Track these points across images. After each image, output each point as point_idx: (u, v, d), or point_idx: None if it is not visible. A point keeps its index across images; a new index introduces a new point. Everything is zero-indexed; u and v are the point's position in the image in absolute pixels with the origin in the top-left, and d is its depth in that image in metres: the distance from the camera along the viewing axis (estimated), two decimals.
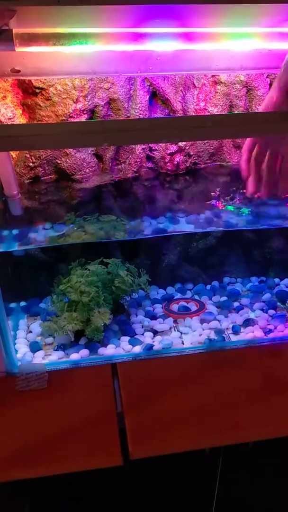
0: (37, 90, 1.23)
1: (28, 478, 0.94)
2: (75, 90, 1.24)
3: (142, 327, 1.32)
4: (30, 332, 1.30)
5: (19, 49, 1.00)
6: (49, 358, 1.20)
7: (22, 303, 1.41)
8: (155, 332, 1.30)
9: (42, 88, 1.23)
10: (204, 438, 1.01)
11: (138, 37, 1.08)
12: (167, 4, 1.01)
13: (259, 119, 0.87)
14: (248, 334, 1.28)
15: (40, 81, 1.22)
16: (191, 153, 1.40)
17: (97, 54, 1.19)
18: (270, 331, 1.29)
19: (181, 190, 1.39)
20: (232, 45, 1.17)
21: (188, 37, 1.12)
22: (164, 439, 0.99)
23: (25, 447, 0.97)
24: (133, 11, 1.03)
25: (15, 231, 1.24)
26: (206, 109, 1.36)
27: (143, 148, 1.37)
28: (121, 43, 1.07)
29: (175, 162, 1.40)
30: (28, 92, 1.24)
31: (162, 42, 1.11)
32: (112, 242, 1.39)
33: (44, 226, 1.26)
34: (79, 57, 1.22)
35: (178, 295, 1.46)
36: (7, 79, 1.22)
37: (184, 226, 1.28)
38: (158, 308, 1.40)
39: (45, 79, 1.22)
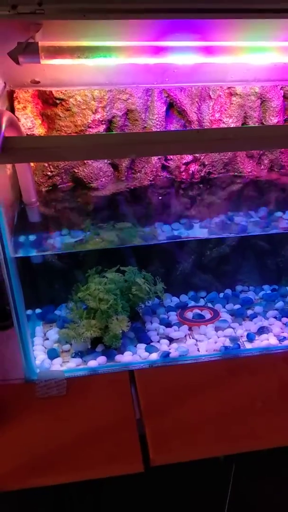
0: (57, 101, 1.25)
1: (49, 485, 0.95)
2: (94, 101, 1.26)
3: (158, 334, 1.33)
4: (47, 339, 1.31)
5: (44, 61, 1.02)
6: (67, 365, 1.21)
7: (38, 310, 1.42)
8: (171, 340, 1.31)
9: (62, 99, 1.25)
10: (222, 445, 1.02)
11: (158, 51, 1.10)
12: (188, 19, 1.04)
13: (279, 132, 0.89)
14: (263, 341, 1.30)
15: (61, 92, 1.24)
16: (206, 163, 1.42)
17: (116, 66, 1.22)
18: (285, 338, 1.30)
19: (196, 197, 1.41)
20: (248, 58, 1.19)
21: (205, 50, 1.14)
22: (183, 446, 1.00)
23: (46, 454, 0.98)
24: (155, 25, 1.06)
25: (32, 238, 1.26)
26: (221, 120, 1.39)
27: (158, 158, 1.39)
28: (142, 56, 1.09)
29: (190, 172, 1.42)
30: (48, 102, 1.26)
31: (181, 55, 1.13)
32: (126, 250, 1.40)
33: (61, 232, 1.27)
34: (97, 69, 1.25)
35: (192, 303, 1.48)
36: (27, 90, 1.24)
37: (198, 231, 1.29)
38: (173, 316, 1.41)
39: (65, 90, 1.25)
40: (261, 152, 1.46)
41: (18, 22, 0.99)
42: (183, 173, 1.42)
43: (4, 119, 0.84)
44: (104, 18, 0.96)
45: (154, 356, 1.24)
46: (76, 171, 1.34)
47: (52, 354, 1.24)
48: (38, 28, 1.00)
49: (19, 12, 0.91)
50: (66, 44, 1.03)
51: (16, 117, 1.22)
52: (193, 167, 1.42)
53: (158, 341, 1.31)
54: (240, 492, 1.17)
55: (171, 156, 1.40)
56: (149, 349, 1.25)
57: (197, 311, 1.42)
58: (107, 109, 1.29)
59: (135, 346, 1.28)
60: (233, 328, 1.36)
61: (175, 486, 1.12)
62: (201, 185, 1.43)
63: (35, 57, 1.02)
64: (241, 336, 1.33)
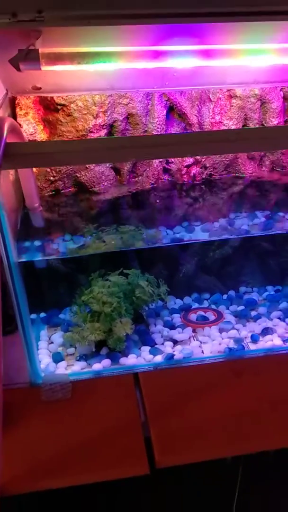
0: (59, 107, 1.26)
1: (55, 488, 0.95)
2: (95, 106, 1.28)
3: (162, 336, 1.33)
4: (52, 342, 1.32)
5: (45, 68, 1.04)
6: (71, 368, 1.22)
7: (42, 314, 1.43)
8: (175, 342, 1.31)
9: (63, 105, 1.26)
10: (228, 447, 1.02)
11: (158, 55, 1.11)
12: (186, 23, 1.04)
13: (282, 133, 0.90)
14: (268, 342, 1.30)
15: (62, 98, 1.26)
16: (207, 165, 1.43)
17: (116, 71, 1.23)
18: None
19: (198, 199, 1.41)
20: (247, 60, 1.20)
21: (204, 53, 1.15)
22: (189, 448, 1.00)
23: (52, 457, 0.98)
24: (153, 30, 1.07)
25: (36, 242, 1.27)
26: (221, 122, 1.39)
27: (160, 161, 1.40)
28: (142, 60, 1.10)
29: (192, 174, 1.43)
30: (49, 108, 1.27)
31: (180, 58, 1.14)
32: (130, 253, 1.41)
33: (64, 237, 1.28)
34: (98, 74, 1.27)
35: (195, 305, 1.48)
36: (29, 96, 1.26)
37: (200, 234, 1.30)
38: (176, 318, 1.42)
39: (66, 96, 1.26)
40: (262, 153, 1.47)
41: (18, 29, 1.00)
42: (185, 176, 1.42)
43: (6, 126, 0.85)
44: (103, 24, 0.97)
45: (159, 358, 1.24)
46: (78, 175, 1.36)
47: (57, 358, 1.24)
48: (38, 35, 1.01)
49: (20, 19, 0.92)
50: (66, 50, 1.05)
51: (18, 123, 1.24)
52: (194, 170, 1.43)
53: (162, 344, 1.31)
54: (247, 493, 1.17)
55: (173, 159, 1.41)
56: (153, 352, 1.26)
57: (200, 313, 1.42)
58: (108, 113, 1.30)
59: (139, 348, 1.28)
60: (237, 329, 1.36)
61: (181, 488, 1.12)
62: (202, 187, 1.44)
63: (36, 64, 1.03)
64: (245, 337, 1.33)
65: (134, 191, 1.40)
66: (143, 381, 1.16)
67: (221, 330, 1.35)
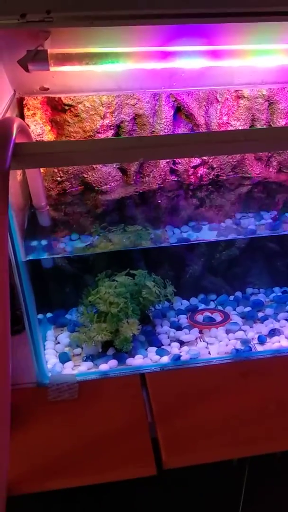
0: (66, 107, 1.27)
1: (61, 488, 0.95)
2: (103, 107, 1.28)
3: (168, 337, 1.33)
4: (58, 343, 1.32)
5: (53, 68, 1.04)
6: (78, 368, 1.22)
7: (49, 314, 1.43)
8: (182, 343, 1.31)
9: (71, 105, 1.26)
10: (235, 448, 1.02)
11: (165, 56, 1.11)
12: (194, 24, 1.04)
13: None
14: (275, 344, 1.29)
15: (70, 98, 1.26)
16: (214, 166, 1.43)
17: (124, 72, 1.23)
18: None
19: (205, 200, 1.41)
20: (254, 61, 1.20)
21: (212, 54, 1.15)
22: (196, 449, 1.00)
23: (58, 457, 0.98)
24: (161, 31, 1.07)
25: (43, 242, 1.27)
26: (229, 123, 1.39)
27: (167, 162, 1.40)
28: (150, 61, 1.11)
29: (199, 175, 1.42)
30: (57, 109, 1.28)
31: (188, 59, 1.14)
32: (136, 253, 1.41)
33: (71, 236, 1.28)
34: (106, 75, 1.27)
35: (202, 306, 1.48)
36: (36, 97, 1.26)
37: (207, 234, 1.30)
38: (183, 319, 1.41)
39: (74, 97, 1.26)
40: (269, 154, 1.46)
41: (27, 30, 1.01)
42: (192, 177, 1.42)
43: (15, 126, 0.86)
44: (111, 24, 0.97)
45: (165, 359, 1.24)
46: (85, 176, 1.36)
47: (64, 358, 1.24)
48: (47, 36, 1.02)
49: (28, 20, 0.92)
50: (74, 51, 1.05)
51: (26, 123, 1.24)
52: (201, 170, 1.42)
53: (169, 344, 1.31)
54: (254, 495, 1.16)
55: (179, 160, 1.41)
56: (160, 352, 1.25)
57: (207, 314, 1.42)
58: (115, 114, 1.30)
59: (146, 349, 1.28)
60: (244, 330, 1.36)
61: (188, 489, 1.12)
62: (210, 187, 1.44)
63: (44, 65, 1.03)
64: (252, 339, 1.32)
65: (141, 191, 1.40)
66: (150, 382, 1.16)
67: (228, 331, 1.35)
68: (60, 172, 1.33)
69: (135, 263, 1.41)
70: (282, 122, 1.42)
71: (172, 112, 1.35)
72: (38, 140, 1.27)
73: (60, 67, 1.05)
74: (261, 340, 1.30)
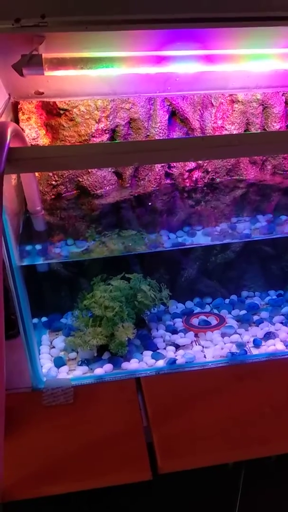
0: (61, 111, 1.27)
1: (56, 494, 0.95)
2: (98, 111, 1.28)
3: (164, 341, 1.33)
4: (53, 347, 1.31)
5: (48, 73, 1.04)
6: (73, 373, 1.21)
7: (44, 319, 1.43)
8: (177, 346, 1.31)
9: (66, 110, 1.26)
10: (230, 452, 1.02)
11: (160, 60, 1.12)
12: (189, 28, 1.05)
13: (284, 138, 0.90)
14: (270, 347, 1.29)
15: (65, 102, 1.26)
16: (209, 170, 1.43)
17: (118, 76, 1.24)
18: None
19: (199, 204, 1.41)
20: (249, 65, 1.20)
21: (206, 59, 1.15)
22: (192, 454, 1.00)
23: (53, 462, 0.97)
24: (156, 35, 1.08)
25: (38, 246, 1.27)
26: (223, 127, 1.40)
27: (162, 166, 1.40)
28: (144, 65, 1.11)
29: (194, 179, 1.43)
30: (52, 113, 1.28)
31: (182, 64, 1.15)
32: (131, 258, 1.41)
33: (66, 241, 1.28)
34: (100, 79, 1.27)
35: (198, 309, 1.48)
36: (31, 101, 1.26)
37: (201, 238, 1.30)
38: (178, 323, 1.41)
39: (69, 101, 1.26)
40: (264, 158, 1.47)
41: (21, 35, 1.01)
42: (187, 180, 1.43)
43: (9, 130, 0.86)
44: (106, 29, 0.98)
45: (161, 363, 1.24)
46: (81, 180, 1.36)
47: (59, 362, 1.24)
48: (41, 40, 1.02)
49: (23, 25, 0.92)
50: (69, 55, 1.05)
51: (21, 128, 1.24)
52: (196, 174, 1.43)
53: (164, 348, 1.30)
54: (249, 499, 1.16)
55: (174, 164, 1.41)
56: (156, 356, 1.25)
57: (203, 317, 1.42)
58: (110, 118, 1.30)
59: (141, 353, 1.28)
60: (239, 334, 1.36)
61: (184, 494, 1.12)
62: (204, 190, 1.44)
63: (39, 69, 1.03)
64: (248, 342, 1.32)
65: (136, 195, 1.40)
66: (145, 386, 1.15)
67: (223, 335, 1.35)
68: (55, 176, 1.33)
69: (130, 267, 1.41)
70: (276, 126, 1.42)
71: (167, 116, 1.36)
72: (33, 144, 1.27)
73: (54, 72, 1.05)
74: (257, 344, 1.31)
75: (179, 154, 0.84)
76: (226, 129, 1.40)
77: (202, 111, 1.38)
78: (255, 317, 1.42)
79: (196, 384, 1.16)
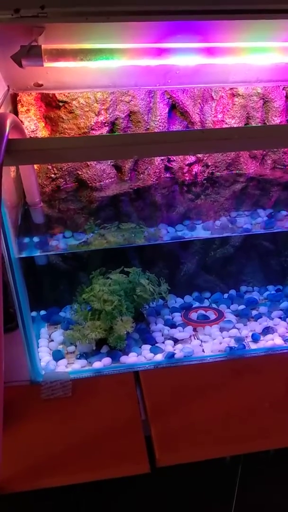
0: (60, 104, 1.26)
1: (55, 486, 0.95)
2: (97, 103, 1.27)
3: (162, 335, 1.33)
4: (52, 340, 1.31)
5: (47, 64, 1.03)
6: (72, 366, 1.22)
7: (42, 312, 1.42)
8: (176, 340, 1.31)
9: (65, 102, 1.25)
10: (228, 446, 1.02)
11: (160, 52, 1.10)
12: (190, 21, 1.04)
13: (284, 131, 0.89)
14: (268, 342, 1.29)
15: (64, 95, 1.25)
16: (209, 164, 1.43)
17: (118, 68, 1.23)
18: None
19: (199, 197, 1.41)
20: (249, 59, 1.20)
21: (207, 51, 1.14)
22: (189, 447, 1.00)
23: (52, 455, 0.98)
24: (156, 27, 1.07)
25: (36, 239, 1.26)
26: (223, 121, 1.39)
27: (161, 159, 1.39)
28: (145, 57, 1.10)
29: (193, 173, 1.42)
30: (51, 105, 1.27)
31: (183, 56, 1.14)
32: (131, 251, 1.41)
33: (64, 234, 1.27)
34: (100, 71, 1.26)
35: (196, 304, 1.48)
36: (30, 93, 1.25)
37: (201, 232, 1.29)
38: (177, 317, 1.41)
39: (68, 93, 1.25)
40: (264, 152, 1.46)
41: (21, 25, 1.00)
42: (186, 174, 1.42)
43: (8, 122, 0.85)
44: (106, 20, 0.97)
45: (159, 357, 1.24)
46: (80, 173, 1.35)
47: (57, 356, 1.24)
48: (41, 31, 1.01)
49: (22, 15, 0.91)
50: (68, 47, 1.04)
51: (20, 120, 1.23)
52: (196, 168, 1.42)
53: (163, 342, 1.31)
54: (247, 493, 1.16)
55: (174, 157, 1.40)
56: (154, 350, 1.25)
57: (201, 311, 1.42)
58: (110, 111, 1.29)
59: (140, 347, 1.28)
60: (238, 328, 1.36)
61: (181, 487, 1.12)
62: (204, 184, 1.43)
63: (38, 60, 1.02)
64: (246, 337, 1.33)
65: (135, 188, 1.40)
66: (144, 380, 1.15)
67: (222, 329, 1.35)
68: (54, 169, 1.32)
69: (129, 260, 1.41)
70: (277, 120, 1.42)
71: (167, 109, 1.35)
72: (32, 136, 1.26)
73: (54, 63, 1.04)
74: (255, 338, 1.31)
75: (179, 147, 0.83)
76: (226, 123, 1.39)
77: (202, 105, 1.37)
78: (254, 312, 1.42)
79: (195, 378, 1.17)
